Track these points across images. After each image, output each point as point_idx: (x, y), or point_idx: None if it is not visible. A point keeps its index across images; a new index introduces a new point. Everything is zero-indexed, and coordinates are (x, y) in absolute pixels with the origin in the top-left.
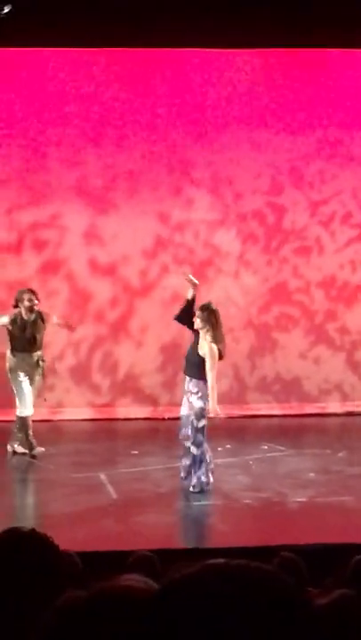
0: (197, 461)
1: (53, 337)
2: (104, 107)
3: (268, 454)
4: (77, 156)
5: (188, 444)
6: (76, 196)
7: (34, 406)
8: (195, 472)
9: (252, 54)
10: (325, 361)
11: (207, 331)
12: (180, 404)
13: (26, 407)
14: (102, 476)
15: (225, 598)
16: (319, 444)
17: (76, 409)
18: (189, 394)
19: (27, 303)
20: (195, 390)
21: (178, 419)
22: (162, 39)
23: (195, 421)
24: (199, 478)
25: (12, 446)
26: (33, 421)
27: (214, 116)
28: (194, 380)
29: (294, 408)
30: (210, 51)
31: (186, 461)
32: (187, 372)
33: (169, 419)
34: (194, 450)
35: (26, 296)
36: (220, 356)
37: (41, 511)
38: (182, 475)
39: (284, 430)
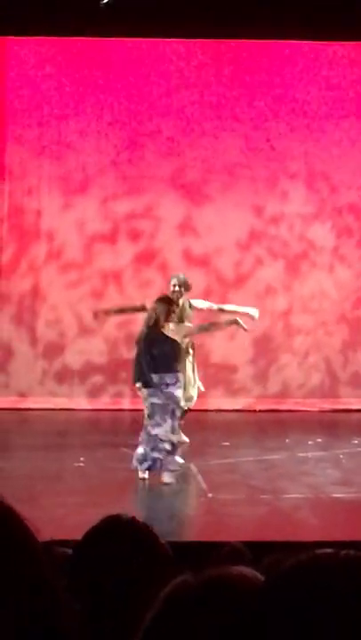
0: (176, 448)
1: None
2: (201, 99)
3: (359, 449)
4: (174, 147)
5: (160, 431)
6: (172, 188)
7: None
8: (173, 459)
9: (352, 47)
10: None
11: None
12: (271, 397)
13: None
14: (193, 467)
15: (337, 588)
16: None
17: None
18: (164, 386)
19: (170, 288)
20: (172, 381)
21: (270, 411)
22: (259, 31)
23: (177, 410)
24: (177, 461)
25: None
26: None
27: (311, 109)
28: (170, 373)
29: None
30: (309, 43)
31: (163, 452)
32: (159, 371)
33: (260, 411)
34: (174, 438)
35: (172, 281)
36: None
37: (131, 500)
38: (156, 466)
39: None
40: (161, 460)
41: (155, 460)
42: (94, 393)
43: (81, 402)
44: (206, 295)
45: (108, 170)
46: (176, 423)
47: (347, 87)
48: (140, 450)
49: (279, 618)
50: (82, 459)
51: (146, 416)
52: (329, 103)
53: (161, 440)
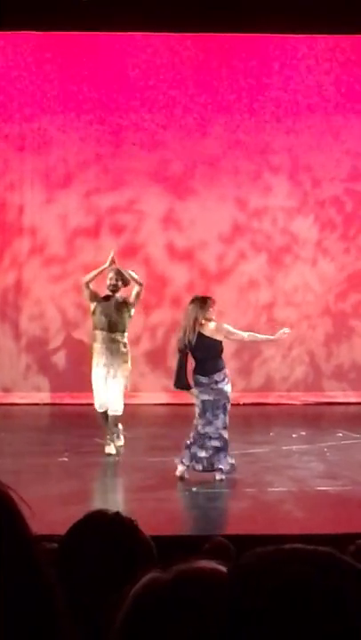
0: (228, 445)
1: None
2: (183, 92)
3: (344, 442)
4: (157, 141)
5: (210, 429)
6: (155, 182)
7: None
8: (225, 457)
9: (334, 40)
10: None
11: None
12: (255, 390)
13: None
14: (177, 461)
15: (298, 582)
16: None
17: (152, 393)
18: (214, 384)
19: (107, 282)
20: (221, 378)
21: (254, 404)
22: (242, 25)
23: (228, 405)
24: (228, 461)
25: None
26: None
27: (294, 102)
28: (218, 372)
29: None
30: (290, 36)
31: (210, 450)
32: (207, 373)
33: (244, 404)
34: (225, 434)
35: (109, 274)
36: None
37: (116, 494)
38: (205, 466)
39: (359, 418)
40: (208, 458)
41: (201, 460)
42: (79, 387)
43: (65, 396)
44: (190, 289)
45: (90, 164)
46: (227, 418)
47: (329, 81)
48: (193, 449)
49: (244, 612)
50: (66, 453)
51: (197, 415)
52: (312, 97)
53: (210, 437)
